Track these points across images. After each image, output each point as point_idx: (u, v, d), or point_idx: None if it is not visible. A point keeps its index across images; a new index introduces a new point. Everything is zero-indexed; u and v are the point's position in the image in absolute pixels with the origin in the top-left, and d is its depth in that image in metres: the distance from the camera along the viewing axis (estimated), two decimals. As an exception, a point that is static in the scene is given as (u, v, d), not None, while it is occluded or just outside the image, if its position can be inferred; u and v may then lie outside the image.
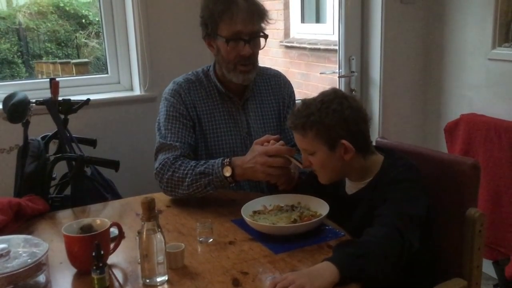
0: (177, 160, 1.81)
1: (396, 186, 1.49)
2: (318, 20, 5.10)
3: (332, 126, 1.51)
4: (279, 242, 1.50)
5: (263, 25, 1.88)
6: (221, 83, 1.97)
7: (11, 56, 3.00)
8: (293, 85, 2.18)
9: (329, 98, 1.55)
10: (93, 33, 3.16)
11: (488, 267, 2.74)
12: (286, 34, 5.34)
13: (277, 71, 2.14)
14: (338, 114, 1.52)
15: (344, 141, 1.52)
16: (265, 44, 1.91)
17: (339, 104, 1.54)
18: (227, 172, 1.72)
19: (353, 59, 3.24)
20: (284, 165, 1.69)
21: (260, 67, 2.02)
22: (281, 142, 1.71)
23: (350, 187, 1.66)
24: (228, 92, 1.97)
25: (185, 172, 1.77)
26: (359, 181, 1.62)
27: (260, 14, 1.86)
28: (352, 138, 1.53)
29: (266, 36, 1.90)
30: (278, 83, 2.08)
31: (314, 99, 1.58)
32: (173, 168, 1.79)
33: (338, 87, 3.35)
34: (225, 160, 1.74)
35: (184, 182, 1.77)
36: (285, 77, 2.15)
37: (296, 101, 2.14)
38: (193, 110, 1.93)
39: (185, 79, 1.98)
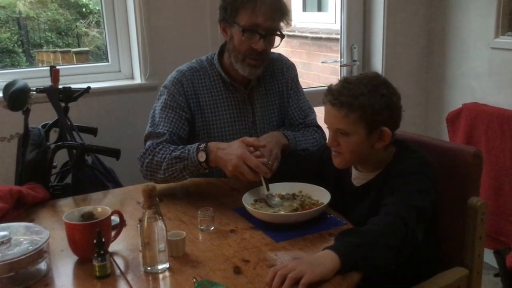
0: (158, 145, 1.79)
1: (406, 178, 1.48)
2: (319, 8, 5.08)
3: (380, 111, 1.48)
4: (280, 231, 1.50)
5: (282, 24, 1.84)
6: (226, 72, 1.93)
7: (12, 45, 2.99)
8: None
9: (377, 81, 1.52)
10: (93, 22, 3.15)
11: (488, 257, 2.74)
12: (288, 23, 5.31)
13: (278, 54, 2.09)
14: (386, 99, 1.50)
15: (385, 128, 1.50)
16: (279, 44, 1.88)
17: (387, 89, 1.51)
18: (201, 157, 1.69)
19: (355, 48, 3.22)
20: (252, 179, 1.65)
21: None
22: (264, 160, 1.66)
23: (358, 179, 1.64)
24: (233, 81, 1.94)
25: (163, 156, 1.75)
26: (369, 172, 1.61)
27: (282, 13, 1.83)
28: (390, 127, 1.51)
29: (282, 36, 1.86)
30: (280, 68, 2.05)
31: (359, 78, 1.53)
32: (153, 152, 1.78)
33: (340, 76, 3.33)
34: (201, 145, 1.71)
35: (161, 167, 1.75)
36: (287, 59, 2.11)
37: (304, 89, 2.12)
38: (194, 101, 1.91)
39: (188, 68, 1.95)
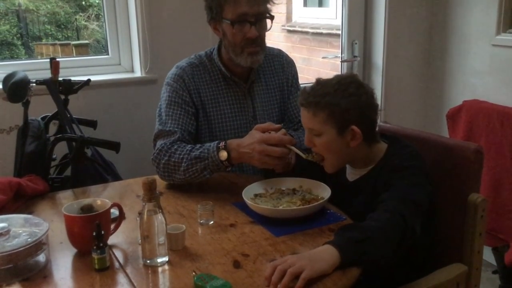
0: (173, 145, 1.77)
1: (401, 173, 1.48)
2: (320, 4, 5.06)
3: (347, 110, 1.49)
4: (280, 225, 1.50)
5: (268, 6, 1.83)
6: (226, 67, 1.93)
7: (11, 37, 2.98)
8: (294, 70, 2.14)
9: (346, 81, 1.53)
10: (93, 15, 3.14)
11: (487, 254, 2.74)
12: (288, 18, 5.31)
13: (278, 50, 2.10)
14: (354, 98, 1.50)
15: (354, 127, 1.50)
16: (271, 26, 1.87)
17: (356, 88, 1.51)
18: (223, 157, 1.68)
19: (356, 43, 3.21)
20: (282, 155, 1.65)
21: None
22: (283, 131, 1.68)
23: (352, 174, 1.65)
24: (233, 76, 1.93)
25: (181, 156, 1.73)
26: (361, 167, 1.61)
27: None
28: (362, 125, 1.51)
29: (272, 17, 1.85)
30: (281, 64, 2.05)
31: (330, 79, 1.55)
32: (169, 153, 1.76)
33: (340, 72, 3.33)
34: (221, 144, 1.70)
35: (180, 167, 1.73)
36: (287, 55, 2.11)
37: (302, 84, 2.12)
38: (197, 96, 1.90)
39: (188, 64, 1.93)
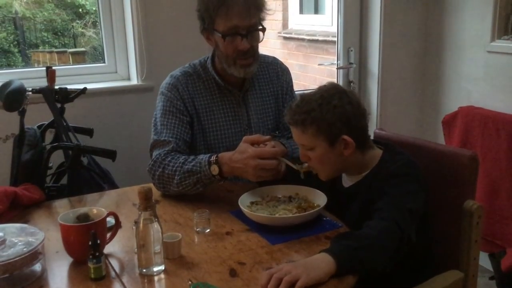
0: (167, 156, 1.77)
1: (395, 180, 1.49)
2: (316, 11, 5.09)
3: (333, 122, 1.50)
4: (276, 233, 1.50)
5: (261, 16, 1.83)
6: (219, 76, 1.92)
7: (7, 45, 2.99)
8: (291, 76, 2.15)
9: (329, 94, 1.54)
10: (90, 22, 3.15)
11: (484, 260, 2.74)
12: (285, 25, 5.33)
13: (273, 57, 2.10)
14: (339, 109, 1.51)
15: (345, 137, 1.51)
16: (263, 37, 1.87)
17: (339, 99, 1.52)
18: (214, 171, 1.69)
19: (351, 50, 3.23)
20: (275, 167, 1.65)
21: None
22: (272, 143, 1.69)
23: (347, 180, 1.66)
24: (227, 85, 1.93)
25: (174, 169, 1.73)
26: (355, 174, 1.62)
27: (257, 6, 1.80)
28: (352, 134, 1.52)
29: (264, 29, 1.85)
30: (275, 71, 2.05)
31: (313, 94, 1.56)
32: (163, 164, 1.76)
33: (336, 78, 3.34)
34: (212, 158, 1.70)
35: (173, 180, 1.74)
36: (282, 63, 2.11)
37: (298, 92, 2.12)
38: (191, 105, 1.90)
39: (182, 72, 1.93)
